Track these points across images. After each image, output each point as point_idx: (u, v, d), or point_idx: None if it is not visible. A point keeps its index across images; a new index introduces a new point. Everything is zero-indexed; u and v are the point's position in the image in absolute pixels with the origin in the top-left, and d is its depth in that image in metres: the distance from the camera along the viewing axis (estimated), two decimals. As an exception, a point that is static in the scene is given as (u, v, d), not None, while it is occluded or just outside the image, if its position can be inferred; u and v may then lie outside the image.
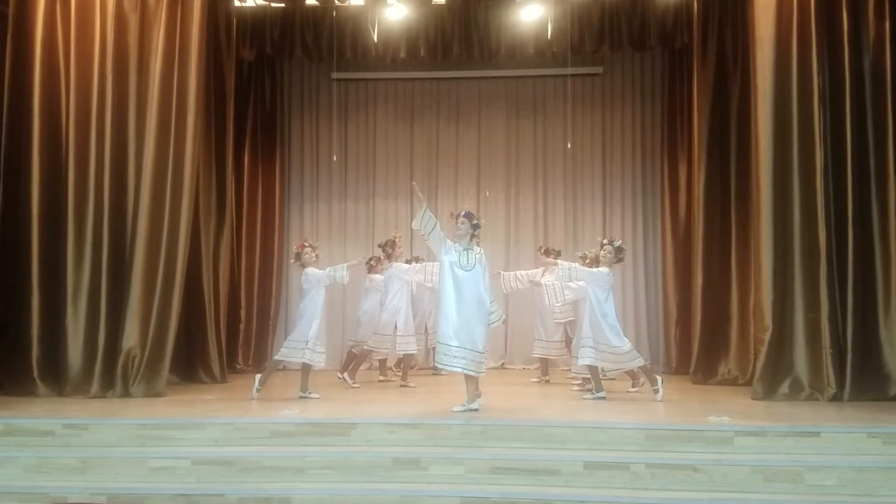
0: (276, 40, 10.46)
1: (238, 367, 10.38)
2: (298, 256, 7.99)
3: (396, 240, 9.02)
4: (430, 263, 8.86)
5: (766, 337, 7.47)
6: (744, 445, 5.69)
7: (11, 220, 7.95)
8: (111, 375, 7.65)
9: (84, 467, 5.77)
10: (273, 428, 6.08)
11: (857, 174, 7.57)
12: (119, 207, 7.94)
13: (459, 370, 6.51)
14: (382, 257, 9.12)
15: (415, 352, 9.01)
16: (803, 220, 7.49)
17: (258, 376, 7.69)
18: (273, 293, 11.13)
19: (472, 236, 6.71)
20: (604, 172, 11.46)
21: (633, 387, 8.01)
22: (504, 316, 7.57)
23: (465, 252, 6.62)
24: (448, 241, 6.68)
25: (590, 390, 7.63)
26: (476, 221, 6.76)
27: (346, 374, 8.87)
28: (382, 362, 9.39)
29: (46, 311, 7.86)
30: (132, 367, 7.64)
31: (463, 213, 6.80)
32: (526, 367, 10.80)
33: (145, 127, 7.92)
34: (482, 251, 6.75)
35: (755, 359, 7.79)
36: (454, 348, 6.47)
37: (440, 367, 6.70)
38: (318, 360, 7.67)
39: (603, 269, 7.57)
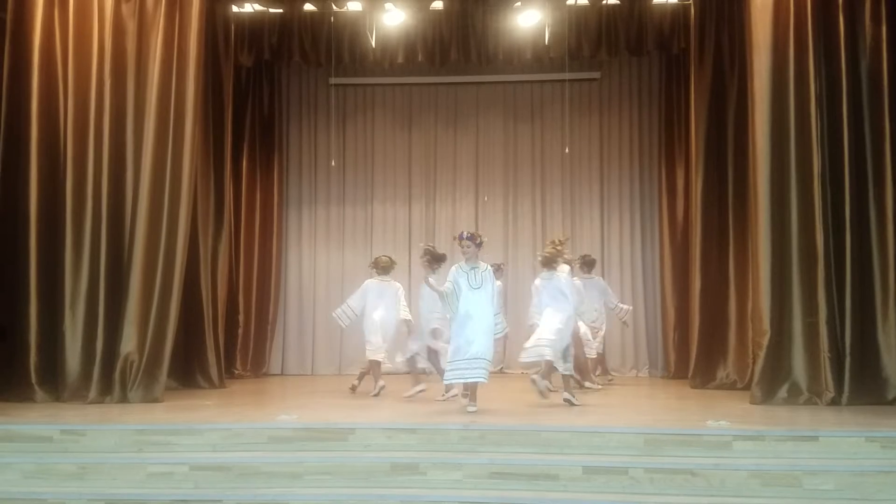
0: (274, 46, 10.48)
1: (236, 372, 10.37)
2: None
3: None
4: None
5: (765, 341, 7.46)
6: (742, 450, 5.69)
7: (9, 226, 7.94)
8: (109, 381, 7.63)
9: (82, 473, 5.75)
10: (271, 433, 6.07)
11: (854, 178, 7.58)
12: (117, 213, 7.93)
13: (483, 380, 6.89)
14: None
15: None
16: (801, 224, 7.50)
17: None
18: (271, 298, 11.12)
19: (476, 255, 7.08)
20: (601, 177, 11.48)
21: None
22: (507, 328, 7.93)
23: (472, 271, 6.96)
24: (453, 267, 7.07)
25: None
26: (480, 241, 7.08)
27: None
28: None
29: (44, 316, 7.84)
30: (130, 372, 7.62)
31: (466, 235, 7.06)
32: (525, 371, 10.81)
33: (143, 132, 7.92)
34: (488, 267, 7.10)
35: (753, 363, 7.79)
36: (477, 360, 6.83)
37: (457, 381, 7.08)
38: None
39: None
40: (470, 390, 6.99)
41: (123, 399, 7.55)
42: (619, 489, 5.42)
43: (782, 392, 7.41)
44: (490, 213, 11.52)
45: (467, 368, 6.84)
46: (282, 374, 11.10)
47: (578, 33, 10.26)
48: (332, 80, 11.16)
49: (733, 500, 5.27)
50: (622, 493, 5.38)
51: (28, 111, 7.93)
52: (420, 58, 10.58)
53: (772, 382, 7.43)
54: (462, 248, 7.05)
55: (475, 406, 6.83)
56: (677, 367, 10.08)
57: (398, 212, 11.62)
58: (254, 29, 10.33)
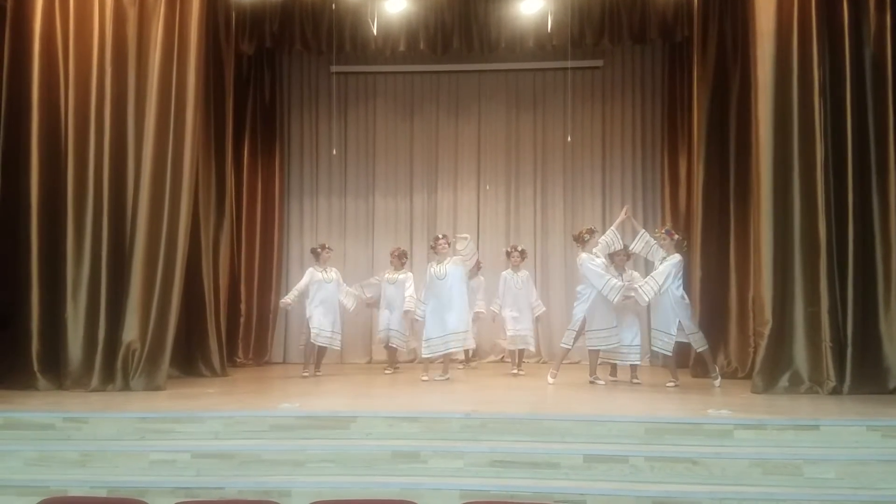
0: (275, 33, 10.44)
1: (238, 360, 10.38)
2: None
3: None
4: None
5: (766, 330, 7.47)
6: (743, 438, 5.71)
7: (11, 214, 7.94)
8: (111, 369, 7.65)
9: (84, 461, 5.78)
10: (273, 421, 6.09)
11: (857, 167, 7.56)
12: (119, 201, 7.93)
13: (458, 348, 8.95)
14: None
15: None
16: (803, 214, 7.49)
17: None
18: (273, 287, 11.11)
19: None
20: (603, 166, 11.44)
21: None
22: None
23: (439, 266, 8.65)
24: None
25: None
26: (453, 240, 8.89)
27: None
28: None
29: (46, 304, 7.85)
30: (132, 360, 7.64)
31: (441, 235, 8.96)
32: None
33: (144, 121, 7.90)
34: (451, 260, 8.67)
35: (755, 352, 7.79)
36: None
37: (444, 353, 8.57)
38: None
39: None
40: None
41: (125, 387, 7.58)
42: (620, 477, 5.44)
43: (783, 381, 7.41)
44: (492, 202, 11.50)
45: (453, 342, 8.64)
46: (284, 362, 11.11)
47: (581, 21, 10.22)
48: (334, 69, 11.12)
49: (734, 489, 5.28)
50: (623, 482, 5.40)
51: (29, 99, 7.92)
52: (422, 46, 10.53)
53: (773, 371, 7.44)
54: (436, 246, 8.77)
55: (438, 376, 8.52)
56: (678, 356, 10.04)
57: (399, 200, 11.60)
58: (255, 16, 10.27)
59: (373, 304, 9.86)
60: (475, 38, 10.48)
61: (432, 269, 8.68)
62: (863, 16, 7.68)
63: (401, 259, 9.67)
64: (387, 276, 9.64)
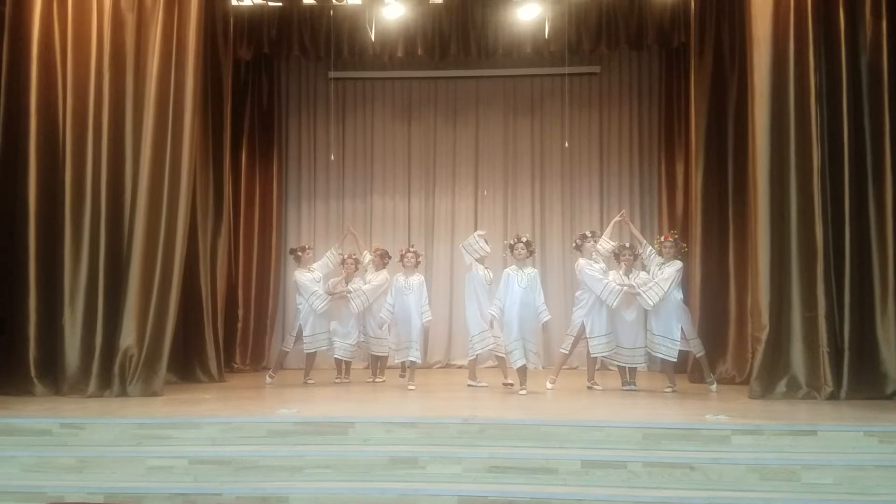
0: (273, 39, 10.45)
1: (235, 366, 10.37)
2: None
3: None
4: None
5: (763, 336, 7.47)
6: (740, 444, 5.70)
7: (9, 220, 7.94)
8: (108, 375, 7.64)
9: (81, 466, 5.77)
10: (270, 427, 6.08)
11: (853, 173, 7.59)
12: (116, 207, 7.94)
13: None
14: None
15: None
16: (800, 219, 7.51)
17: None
18: (270, 292, 11.11)
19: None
20: (601, 171, 11.45)
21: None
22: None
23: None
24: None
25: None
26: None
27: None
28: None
29: (43, 310, 7.85)
30: (129, 366, 7.63)
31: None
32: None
33: (142, 126, 7.91)
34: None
35: (752, 358, 7.80)
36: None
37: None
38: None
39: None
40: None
41: (123, 393, 7.56)
42: (618, 483, 5.44)
43: (781, 386, 7.42)
44: (489, 207, 11.51)
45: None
46: (281, 368, 11.07)
47: (578, 27, 10.25)
48: (332, 74, 11.14)
49: (731, 494, 5.28)
50: (621, 487, 5.40)
51: (27, 104, 7.93)
52: (419, 52, 10.56)
53: (770, 377, 7.44)
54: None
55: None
56: (676, 361, 10.05)
57: (397, 206, 11.61)
58: (253, 22, 10.29)
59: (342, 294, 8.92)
60: (473, 45, 10.51)
61: (481, 273, 8.29)
62: (859, 22, 7.72)
63: (382, 259, 9.12)
64: (368, 277, 9.07)
